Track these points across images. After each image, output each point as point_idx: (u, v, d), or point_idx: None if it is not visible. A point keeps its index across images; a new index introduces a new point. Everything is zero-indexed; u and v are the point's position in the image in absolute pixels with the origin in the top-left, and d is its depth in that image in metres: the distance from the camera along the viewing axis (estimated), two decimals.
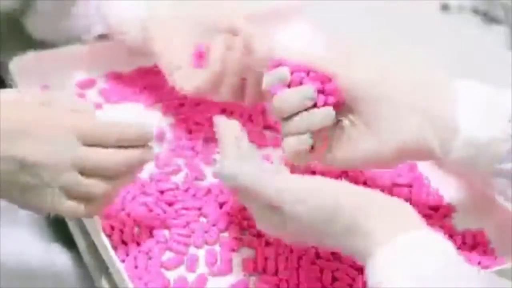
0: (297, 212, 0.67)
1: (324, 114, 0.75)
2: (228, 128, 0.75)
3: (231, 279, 0.77)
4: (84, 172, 0.71)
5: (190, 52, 0.88)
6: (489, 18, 1.20)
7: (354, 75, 0.76)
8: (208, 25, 0.89)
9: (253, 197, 0.69)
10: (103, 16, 0.94)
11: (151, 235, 0.80)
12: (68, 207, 0.72)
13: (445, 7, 1.22)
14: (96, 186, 0.72)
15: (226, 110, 0.94)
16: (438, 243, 0.64)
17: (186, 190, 0.85)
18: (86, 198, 0.72)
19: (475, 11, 1.21)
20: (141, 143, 0.73)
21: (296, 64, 0.76)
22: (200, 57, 0.88)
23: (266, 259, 0.78)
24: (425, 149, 0.74)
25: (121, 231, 0.80)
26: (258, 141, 0.91)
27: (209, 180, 0.87)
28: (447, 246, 0.64)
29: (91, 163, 0.71)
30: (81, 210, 0.72)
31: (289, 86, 0.76)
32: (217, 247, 0.80)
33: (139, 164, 0.74)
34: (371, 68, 0.76)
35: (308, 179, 0.70)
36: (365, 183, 0.85)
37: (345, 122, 0.77)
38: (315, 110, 0.75)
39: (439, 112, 0.74)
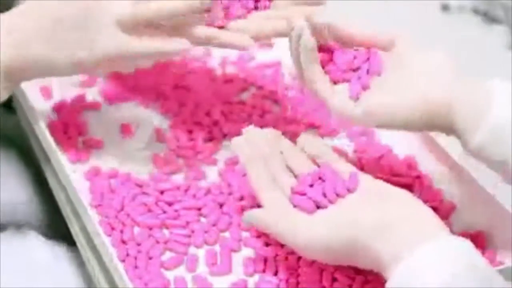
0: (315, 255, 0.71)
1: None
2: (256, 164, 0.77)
3: (231, 279, 0.77)
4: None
5: None
6: (489, 18, 1.20)
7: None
8: None
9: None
10: None
11: (151, 235, 0.80)
12: (126, 40, 0.79)
13: (445, 7, 1.22)
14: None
15: (225, 111, 0.95)
16: (451, 254, 0.65)
17: (186, 190, 0.85)
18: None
19: (475, 11, 1.22)
20: None
21: None
22: None
23: (266, 259, 0.78)
24: (451, 115, 0.74)
25: (121, 231, 0.80)
26: None
27: (209, 180, 0.87)
28: (462, 256, 0.65)
29: None
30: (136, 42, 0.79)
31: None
32: (217, 247, 0.80)
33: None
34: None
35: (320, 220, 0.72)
36: None
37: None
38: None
39: (472, 94, 0.74)
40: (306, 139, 0.79)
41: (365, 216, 0.69)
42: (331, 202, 0.72)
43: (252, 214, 0.74)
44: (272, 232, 0.73)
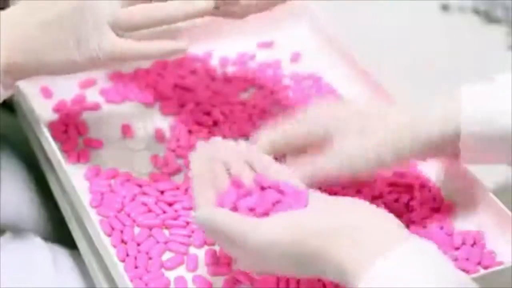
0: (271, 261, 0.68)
1: None
2: (201, 166, 0.74)
3: (231, 279, 0.77)
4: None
5: None
6: (489, 18, 1.20)
7: None
8: None
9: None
10: None
11: (151, 235, 0.80)
12: (119, 41, 0.76)
13: (445, 7, 1.22)
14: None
15: (225, 111, 0.94)
16: (415, 262, 0.63)
17: (186, 190, 0.85)
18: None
19: (476, 11, 1.21)
20: None
21: None
22: None
23: None
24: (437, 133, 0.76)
25: (121, 231, 0.80)
26: None
27: None
28: (429, 259, 0.64)
29: None
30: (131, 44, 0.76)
31: None
32: (217, 247, 0.80)
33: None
34: None
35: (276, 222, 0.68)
36: (364, 186, 0.84)
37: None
38: None
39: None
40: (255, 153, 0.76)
41: (327, 224, 0.66)
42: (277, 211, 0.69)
43: (206, 212, 0.70)
44: (226, 232, 0.68)
